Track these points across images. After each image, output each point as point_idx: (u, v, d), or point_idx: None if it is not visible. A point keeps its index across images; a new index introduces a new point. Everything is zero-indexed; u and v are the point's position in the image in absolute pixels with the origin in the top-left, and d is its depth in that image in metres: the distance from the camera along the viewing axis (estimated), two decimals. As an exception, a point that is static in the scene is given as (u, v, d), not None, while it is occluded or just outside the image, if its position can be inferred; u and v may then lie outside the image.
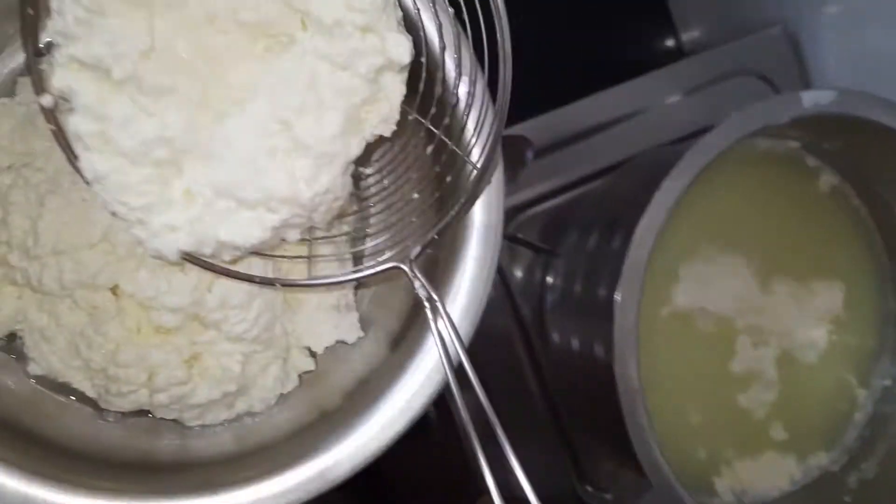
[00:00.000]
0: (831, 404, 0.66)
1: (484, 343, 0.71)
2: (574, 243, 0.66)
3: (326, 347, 0.55)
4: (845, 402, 0.67)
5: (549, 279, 0.71)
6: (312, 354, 0.55)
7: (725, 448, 0.63)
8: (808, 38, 0.78)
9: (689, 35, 0.86)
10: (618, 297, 0.52)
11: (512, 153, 0.67)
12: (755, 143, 0.64)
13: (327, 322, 0.54)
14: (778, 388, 0.64)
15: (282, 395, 0.54)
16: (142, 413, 0.52)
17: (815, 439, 0.66)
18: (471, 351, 0.71)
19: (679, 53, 0.83)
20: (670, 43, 0.86)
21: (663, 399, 0.60)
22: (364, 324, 0.56)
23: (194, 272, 0.48)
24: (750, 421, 0.64)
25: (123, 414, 0.52)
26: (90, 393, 0.51)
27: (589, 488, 0.73)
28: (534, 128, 0.71)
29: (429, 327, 0.46)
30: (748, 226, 0.64)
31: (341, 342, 0.55)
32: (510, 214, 0.71)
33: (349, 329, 0.55)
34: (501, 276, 0.72)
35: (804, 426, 0.66)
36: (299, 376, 0.55)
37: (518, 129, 0.70)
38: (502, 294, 0.73)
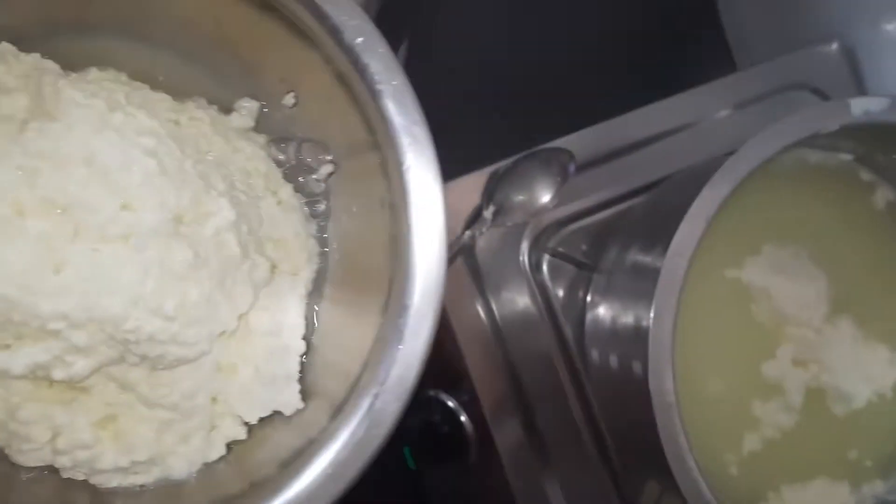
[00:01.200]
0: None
1: (527, 364, 0.70)
2: (614, 258, 0.64)
3: (262, 418, 0.52)
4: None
5: (590, 296, 0.69)
6: (246, 423, 0.52)
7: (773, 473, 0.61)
8: (865, 54, 0.75)
9: (741, 48, 0.84)
10: (652, 310, 0.50)
11: (553, 167, 0.66)
12: (805, 155, 0.62)
13: (264, 392, 0.51)
14: (797, 419, 0.61)
15: (206, 464, 0.51)
16: (55, 470, 0.49)
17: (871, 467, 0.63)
18: (514, 373, 0.70)
19: (731, 67, 0.81)
20: (721, 56, 0.84)
21: (701, 411, 0.58)
22: (306, 394, 0.52)
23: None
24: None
25: (37, 469, 0.49)
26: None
27: (631, 513, 0.70)
28: (578, 141, 0.69)
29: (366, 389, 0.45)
30: (824, 243, 0.62)
31: (278, 413, 0.52)
32: (553, 229, 0.70)
33: (288, 401, 0.52)
34: (544, 295, 0.71)
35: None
36: (228, 445, 0.52)
37: (561, 143, 0.69)
38: (545, 313, 0.71)
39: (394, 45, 0.48)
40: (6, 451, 0.48)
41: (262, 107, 0.55)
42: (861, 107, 0.52)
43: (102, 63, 0.52)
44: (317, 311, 0.56)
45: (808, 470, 0.61)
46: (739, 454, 0.60)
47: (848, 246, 0.62)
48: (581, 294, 0.71)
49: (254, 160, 0.53)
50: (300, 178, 0.56)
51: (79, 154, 0.44)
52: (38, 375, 0.45)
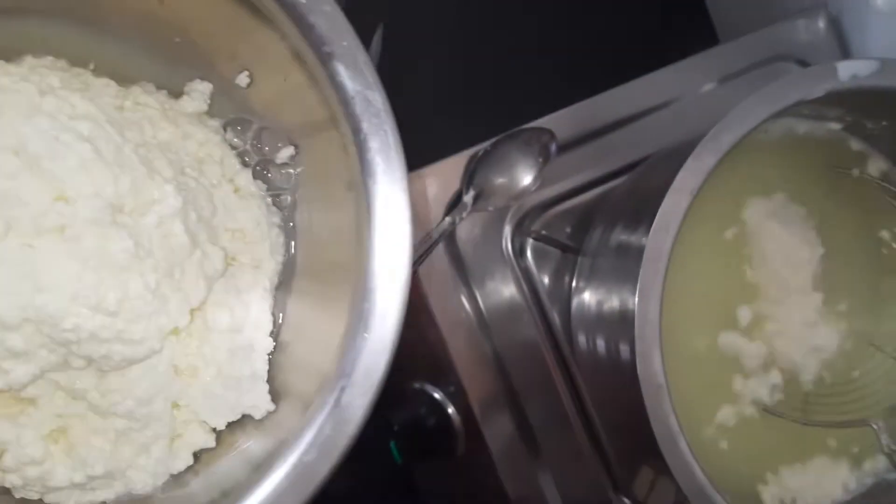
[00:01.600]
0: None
1: (513, 352, 0.68)
2: (599, 240, 0.63)
3: (230, 423, 0.48)
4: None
5: (575, 280, 0.68)
6: (214, 430, 0.48)
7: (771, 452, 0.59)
8: (851, 23, 0.74)
9: (724, 20, 0.82)
10: (638, 289, 0.49)
11: (534, 147, 0.64)
12: (793, 125, 0.60)
13: (229, 394, 0.48)
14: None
15: (172, 475, 0.48)
16: (7, 490, 0.46)
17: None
18: (501, 363, 0.69)
19: (713, 40, 0.79)
20: (704, 29, 0.82)
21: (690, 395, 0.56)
22: (277, 395, 0.49)
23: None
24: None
25: None
26: None
27: (626, 500, 0.69)
28: (559, 121, 0.68)
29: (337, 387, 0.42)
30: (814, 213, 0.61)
31: (248, 416, 0.48)
32: (536, 213, 0.68)
33: (257, 402, 0.48)
34: (528, 281, 0.70)
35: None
36: (195, 454, 0.48)
37: (542, 123, 0.67)
38: (530, 300, 0.70)
39: (368, 32, 0.46)
40: None
41: (215, 89, 0.52)
42: (849, 71, 0.50)
43: (39, 51, 0.48)
44: (285, 307, 0.52)
45: (806, 449, 0.60)
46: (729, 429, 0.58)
47: (836, 218, 0.60)
48: (566, 279, 0.69)
49: (207, 146, 0.50)
50: (261, 168, 0.53)
51: (7, 143, 0.41)
52: None
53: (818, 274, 0.59)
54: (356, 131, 0.42)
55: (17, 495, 0.45)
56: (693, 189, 0.49)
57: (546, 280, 0.69)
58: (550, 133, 0.65)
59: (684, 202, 0.48)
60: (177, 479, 0.48)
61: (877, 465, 0.61)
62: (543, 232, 0.66)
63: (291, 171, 0.52)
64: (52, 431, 0.45)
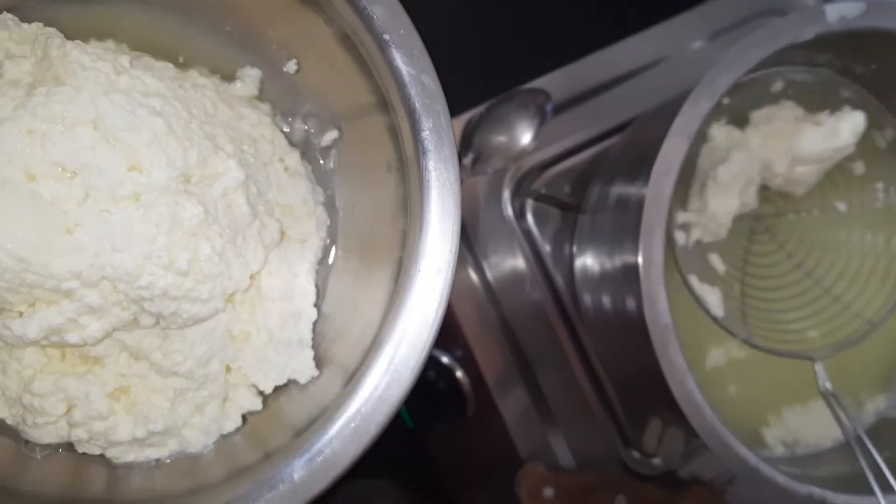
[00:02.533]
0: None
1: (519, 316, 0.69)
2: (598, 196, 0.64)
3: (276, 387, 0.51)
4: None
5: (577, 238, 0.69)
6: (261, 393, 0.51)
7: (772, 393, 0.60)
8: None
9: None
10: (644, 212, 0.50)
11: (530, 108, 0.65)
12: (791, 75, 0.61)
13: (278, 359, 0.50)
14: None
15: (222, 436, 0.50)
16: (70, 446, 0.49)
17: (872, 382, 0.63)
18: (508, 326, 0.70)
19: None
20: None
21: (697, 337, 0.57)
22: (320, 362, 0.51)
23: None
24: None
25: (51, 447, 0.49)
26: (10, 421, 0.48)
27: (635, 454, 0.70)
28: (553, 82, 0.69)
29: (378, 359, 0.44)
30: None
31: (293, 381, 0.51)
32: (534, 174, 0.69)
33: (303, 368, 0.51)
34: (530, 242, 0.71)
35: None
36: (244, 416, 0.51)
37: (536, 85, 0.68)
38: (533, 261, 0.71)
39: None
40: (21, 429, 0.48)
41: (264, 75, 0.55)
42: (836, 13, 0.52)
43: (101, 34, 0.51)
44: (326, 280, 0.55)
45: (806, 391, 0.61)
46: (726, 370, 0.59)
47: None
48: (568, 238, 0.70)
49: (259, 127, 0.53)
50: (306, 150, 0.56)
51: (87, 117, 0.43)
52: (52, 341, 0.44)
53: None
54: (410, 112, 0.45)
55: (81, 450, 0.48)
56: (691, 133, 0.50)
57: (548, 241, 0.70)
58: (545, 94, 0.66)
59: (684, 145, 0.49)
60: (226, 439, 0.50)
61: (878, 405, 0.63)
62: (543, 191, 0.67)
63: (334, 152, 0.55)
64: (116, 390, 0.47)
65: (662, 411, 0.66)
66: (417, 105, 0.45)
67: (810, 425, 0.62)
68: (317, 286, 0.54)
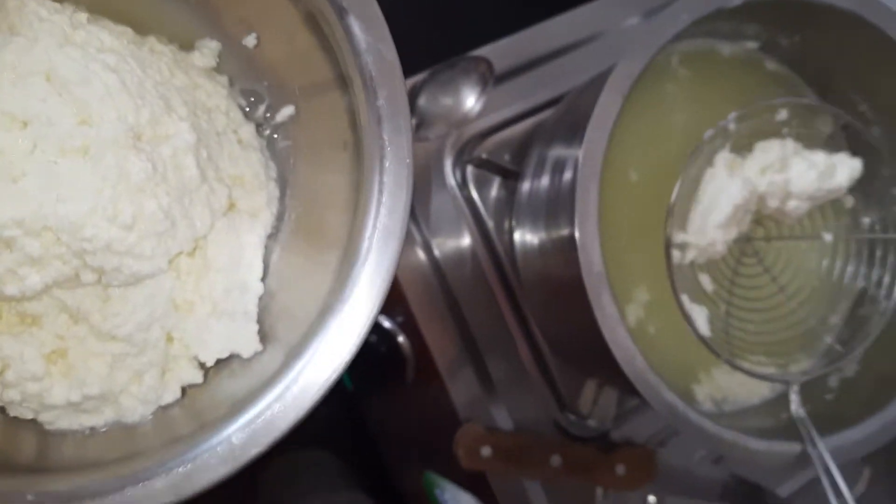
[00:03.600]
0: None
1: (461, 281, 0.70)
2: (537, 161, 0.65)
3: (218, 360, 0.51)
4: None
5: (517, 205, 0.70)
6: (202, 366, 0.51)
7: (703, 352, 0.62)
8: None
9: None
10: (579, 165, 0.51)
11: (473, 75, 0.67)
12: (717, 47, 0.64)
13: (221, 332, 0.50)
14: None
15: (161, 407, 0.50)
16: (1, 410, 0.48)
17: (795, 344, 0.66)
18: (448, 291, 0.71)
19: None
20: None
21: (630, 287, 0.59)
22: (263, 336, 0.51)
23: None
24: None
25: None
26: None
27: (571, 416, 0.72)
28: (495, 52, 0.71)
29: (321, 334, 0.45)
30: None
31: (236, 355, 0.51)
32: (476, 140, 0.71)
33: (246, 341, 0.50)
34: (472, 210, 0.72)
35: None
36: (183, 389, 0.51)
37: (479, 53, 0.69)
38: (473, 227, 0.72)
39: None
40: None
41: (223, 48, 0.55)
42: (763, -19, 0.54)
43: None
44: (273, 256, 0.55)
45: (752, 355, 0.63)
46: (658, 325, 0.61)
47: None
48: (508, 206, 0.72)
49: (214, 97, 0.53)
50: (261, 125, 0.56)
51: (40, 68, 0.43)
52: None
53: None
54: (366, 80, 0.45)
55: (12, 413, 0.47)
56: (624, 90, 0.52)
57: (489, 209, 0.72)
58: (488, 62, 0.67)
59: (617, 103, 0.51)
60: (164, 410, 0.50)
61: (801, 364, 0.65)
62: (484, 156, 0.68)
63: (290, 128, 0.55)
64: (52, 353, 0.46)
65: (597, 372, 0.68)
66: (374, 73, 0.45)
67: (739, 384, 0.64)
68: (264, 262, 0.54)
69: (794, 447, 0.56)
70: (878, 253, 0.64)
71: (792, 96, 0.63)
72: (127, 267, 0.45)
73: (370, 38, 0.45)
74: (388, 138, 0.45)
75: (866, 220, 0.65)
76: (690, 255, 0.60)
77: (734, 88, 0.64)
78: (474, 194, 0.71)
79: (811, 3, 0.57)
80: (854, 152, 0.61)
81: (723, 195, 0.58)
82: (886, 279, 0.62)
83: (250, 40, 0.54)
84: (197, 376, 0.50)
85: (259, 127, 0.55)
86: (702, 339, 0.57)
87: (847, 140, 0.65)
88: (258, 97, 0.56)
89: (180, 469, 0.41)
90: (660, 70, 0.59)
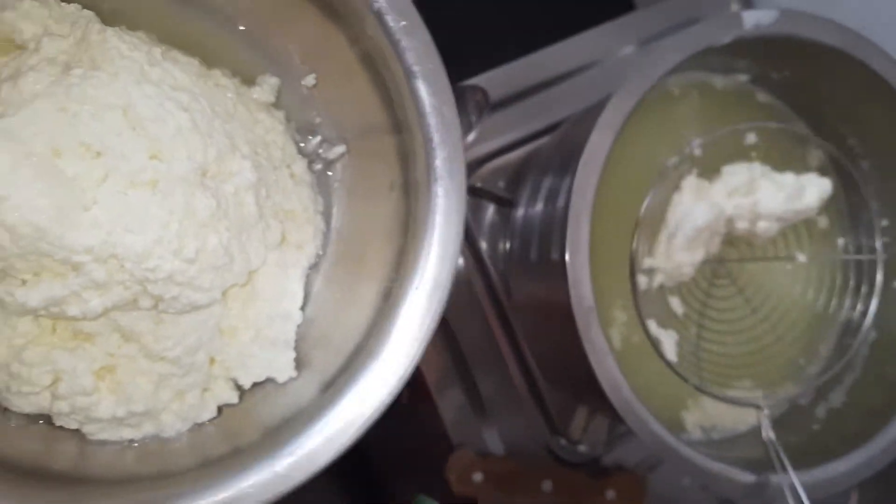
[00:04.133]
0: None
1: (457, 308, 0.71)
2: (531, 189, 0.66)
3: (255, 383, 0.53)
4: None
5: (510, 233, 0.71)
6: (238, 388, 0.53)
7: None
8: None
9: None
10: (571, 201, 0.53)
11: (468, 104, 0.68)
12: (710, 80, 0.65)
13: (261, 356, 0.52)
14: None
15: (196, 424, 0.52)
16: (44, 418, 0.50)
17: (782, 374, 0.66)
18: (446, 320, 0.71)
19: (628, 6, 0.83)
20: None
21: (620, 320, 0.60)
22: (299, 363, 0.53)
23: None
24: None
25: (29, 417, 0.49)
26: None
27: (562, 441, 0.73)
28: (491, 80, 0.72)
29: (363, 372, 0.46)
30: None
31: (271, 380, 0.53)
32: (472, 168, 0.71)
33: (283, 367, 0.52)
34: (469, 240, 0.73)
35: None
36: (219, 408, 0.53)
37: (475, 82, 0.70)
38: (469, 254, 0.73)
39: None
40: (3, 395, 0.48)
41: (283, 84, 0.57)
42: (752, 19, 0.55)
43: (132, 23, 0.52)
44: (314, 286, 0.57)
45: (723, 378, 0.64)
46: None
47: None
48: (503, 233, 0.72)
49: (272, 133, 0.55)
50: (312, 160, 0.57)
51: (118, 103, 0.45)
52: (51, 312, 0.45)
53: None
54: (428, 140, 0.48)
55: (58, 423, 0.49)
56: (615, 127, 0.53)
57: (484, 236, 0.72)
58: (483, 91, 0.68)
59: (608, 138, 0.52)
60: (198, 427, 0.52)
61: (788, 392, 0.66)
62: (479, 185, 0.69)
63: (339, 165, 0.57)
64: (102, 368, 0.48)
65: (586, 398, 0.68)
66: (436, 136, 0.48)
67: (727, 412, 0.65)
68: (305, 291, 0.55)
69: (781, 478, 0.56)
70: (852, 282, 0.64)
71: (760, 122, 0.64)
72: (185, 297, 0.47)
73: (436, 101, 0.48)
74: (442, 196, 0.47)
75: (840, 241, 0.65)
76: (658, 279, 0.61)
77: (727, 119, 0.65)
78: (469, 222, 0.72)
79: (799, 39, 0.58)
80: (844, 183, 0.62)
81: (688, 218, 0.59)
82: (860, 307, 0.63)
83: (310, 80, 0.56)
84: (233, 397, 0.52)
85: (310, 162, 0.57)
86: (668, 364, 0.57)
87: (835, 170, 0.66)
88: (312, 133, 0.58)
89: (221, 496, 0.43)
90: (652, 101, 0.60)
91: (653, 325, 0.59)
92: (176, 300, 0.46)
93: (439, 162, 0.47)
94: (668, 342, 0.60)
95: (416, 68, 0.47)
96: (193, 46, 0.54)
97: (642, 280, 0.60)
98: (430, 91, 0.47)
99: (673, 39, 0.55)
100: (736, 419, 0.65)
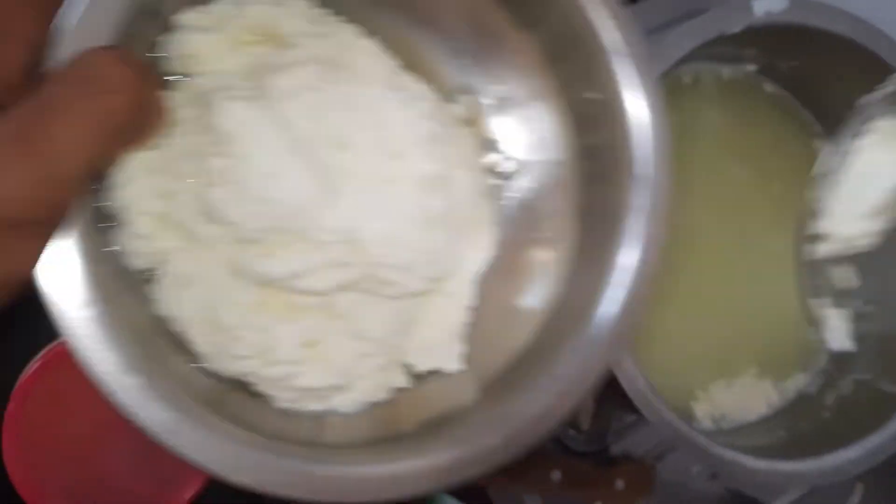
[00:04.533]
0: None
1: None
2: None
3: (423, 373, 0.55)
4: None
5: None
6: (409, 372, 0.55)
7: (700, 369, 0.64)
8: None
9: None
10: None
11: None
12: (718, 70, 0.65)
13: (435, 345, 0.55)
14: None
15: (370, 403, 0.54)
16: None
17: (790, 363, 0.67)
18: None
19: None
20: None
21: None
22: (465, 358, 0.55)
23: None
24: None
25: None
26: (206, 347, 0.50)
27: (571, 431, 0.73)
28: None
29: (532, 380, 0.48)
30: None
31: (437, 370, 0.55)
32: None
33: (451, 359, 0.55)
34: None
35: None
36: (390, 390, 0.55)
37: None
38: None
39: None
40: (211, 356, 0.50)
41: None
42: (763, 7, 0.55)
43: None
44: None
45: (732, 368, 0.64)
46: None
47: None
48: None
49: (474, 150, 0.58)
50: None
51: (369, 104, 0.50)
52: (286, 284, 0.49)
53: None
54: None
55: (254, 388, 0.51)
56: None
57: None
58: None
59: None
60: (369, 408, 0.54)
61: (797, 382, 0.67)
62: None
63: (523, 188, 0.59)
64: (309, 341, 0.51)
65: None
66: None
67: (737, 401, 0.65)
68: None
69: (791, 465, 0.57)
70: None
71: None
72: (404, 283, 0.51)
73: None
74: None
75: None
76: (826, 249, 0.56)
77: (734, 110, 0.65)
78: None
79: (809, 28, 0.58)
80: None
81: (878, 174, 0.52)
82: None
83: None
84: (405, 381, 0.55)
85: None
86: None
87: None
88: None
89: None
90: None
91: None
92: (395, 285, 0.50)
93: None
94: (838, 324, 0.58)
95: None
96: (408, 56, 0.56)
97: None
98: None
99: (683, 28, 0.55)
100: (746, 409, 0.65)
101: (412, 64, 0.55)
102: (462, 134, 0.57)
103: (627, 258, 0.48)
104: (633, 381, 0.53)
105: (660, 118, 0.47)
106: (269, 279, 0.48)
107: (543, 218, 0.56)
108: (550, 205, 0.56)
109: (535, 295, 0.54)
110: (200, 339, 0.50)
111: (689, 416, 0.64)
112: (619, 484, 0.71)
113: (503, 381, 0.52)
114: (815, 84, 0.65)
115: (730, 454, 0.56)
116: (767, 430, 0.64)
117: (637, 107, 0.47)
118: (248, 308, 0.50)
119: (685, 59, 0.56)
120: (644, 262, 0.48)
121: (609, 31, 0.48)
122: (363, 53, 0.52)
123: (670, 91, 0.60)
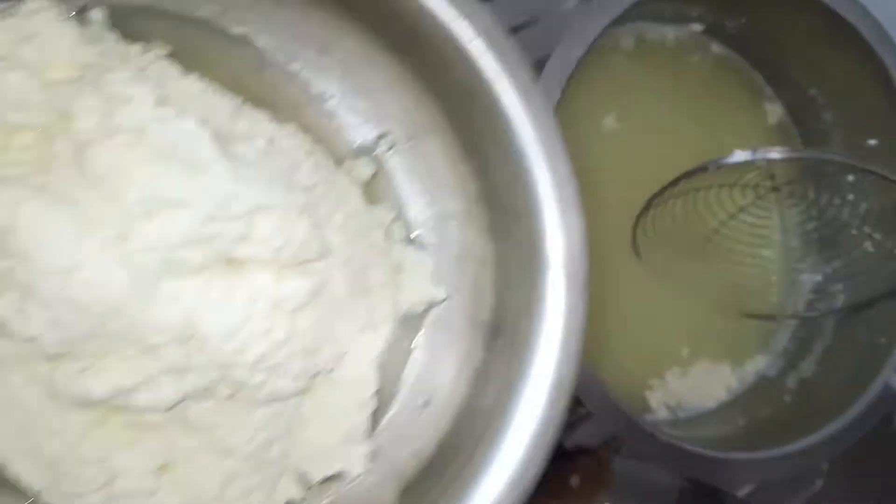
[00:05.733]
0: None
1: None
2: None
3: (324, 477, 0.47)
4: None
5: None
6: (305, 483, 0.47)
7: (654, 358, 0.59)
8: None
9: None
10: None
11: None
12: (663, 31, 0.61)
13: (333, 449, 0.47)
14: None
15: None
16: None
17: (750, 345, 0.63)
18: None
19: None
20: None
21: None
22: (373, 456, 0.48)
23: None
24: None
25: None
26: (35, 484, 0.42)
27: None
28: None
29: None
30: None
31: (340, 475, 0.47)
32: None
33: (354, 460, 0.47)
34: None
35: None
36: None
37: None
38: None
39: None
40: (49, 493, 0.42)
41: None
42: (705, -45, 0.51)
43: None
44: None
45: (686, 354, 0.60)
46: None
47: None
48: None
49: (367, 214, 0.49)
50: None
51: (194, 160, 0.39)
52: (115, 403, 0.39)
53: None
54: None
55: None
56: (562, 78, 0.48)
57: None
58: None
59: (557, 88, 0.48)
60: None
61: (757, 364, 0.63)
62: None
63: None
64: (164, 464, 0.42)
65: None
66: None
67: (693, 387, 0.61)
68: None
69: (750, 455, 0.53)
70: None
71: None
72: (270, 385, 0.41)
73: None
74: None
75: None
76: None
77: (678, 73, 0.61)
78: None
79: (756, -23, 0.53)
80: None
81: None
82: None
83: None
84: (299, 492, 0.46)
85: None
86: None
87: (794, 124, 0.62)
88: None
89: None
90: (596, 57, 0.55)
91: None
92: (259, 388, 0.41)
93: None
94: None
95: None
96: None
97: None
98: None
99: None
100: (704, 395, 0.61)
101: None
102: (354, 194, 0.48)
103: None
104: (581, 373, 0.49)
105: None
106: (91, 400, 0.39)
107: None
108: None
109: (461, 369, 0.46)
110: (28, 477, 0.41)
111: (643, 407, 0.60)
112: (575, 481, 0.66)
113: (425, 482, 0.44)
114: (766, 44, 0.60)
115: (683, 445, 0.52)
116: (726, 418, 0.60)
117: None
118: (77, 435, 0.40)
119: (622, 20, 0.51)
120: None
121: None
122: (191, 94, 0.42)
123: (608, 55, 0.55)
